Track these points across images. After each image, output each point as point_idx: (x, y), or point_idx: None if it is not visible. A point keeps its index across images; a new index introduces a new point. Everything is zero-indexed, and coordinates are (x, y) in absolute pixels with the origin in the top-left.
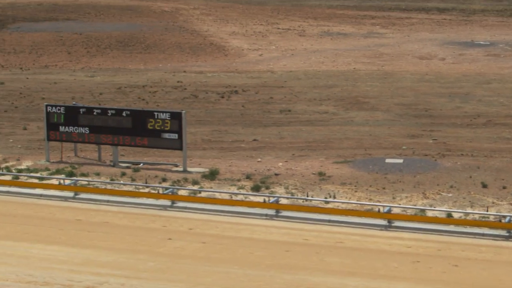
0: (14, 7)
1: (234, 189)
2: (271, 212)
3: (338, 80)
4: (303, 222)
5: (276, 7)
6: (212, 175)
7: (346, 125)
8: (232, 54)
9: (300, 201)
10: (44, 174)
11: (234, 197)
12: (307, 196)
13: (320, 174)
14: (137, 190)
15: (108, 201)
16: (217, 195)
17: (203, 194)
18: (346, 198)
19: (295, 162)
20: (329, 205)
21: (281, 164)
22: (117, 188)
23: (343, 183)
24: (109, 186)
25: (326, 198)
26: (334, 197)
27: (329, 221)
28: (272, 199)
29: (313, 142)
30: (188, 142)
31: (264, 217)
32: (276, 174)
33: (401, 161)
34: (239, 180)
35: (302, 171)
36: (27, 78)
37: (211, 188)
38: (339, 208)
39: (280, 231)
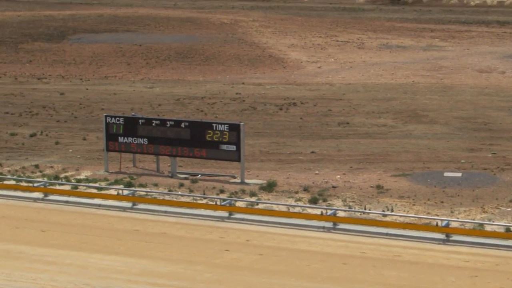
0: (75, 19)
1: (291, 201)
2: (329, 224)
3: (396, 93)
4: (360, 235)
5: (335, 20)
6: (269, 187)
7: (405, 138)
8: (291, 66)
9: (358, 214)
10: (103, 184)
11: (291, 209)
12: (365, 209)
13: (378, 187)
14: (194, 201)
15: (166, 211)
16: (275, 207)
17: (260, 206)
18: (404, 211)
19: (353, 175)
20: (387, 218)
21: (338, 176)
22: (175, 199)
23: (401, 196)
24: (167, 197)
25: (383, 211)
26: (392, 211)
27: (386, 234)
28: (329, 212)
29: (371, 155)
30: (246, 153)
31: (321, 230)
32: (333, 187)
33: (459, 175)
34: (296, 192)
35: (360, 184)
36: (87, 89)
37: (269, 200)
38: (396, 221)
39: (337, 244)
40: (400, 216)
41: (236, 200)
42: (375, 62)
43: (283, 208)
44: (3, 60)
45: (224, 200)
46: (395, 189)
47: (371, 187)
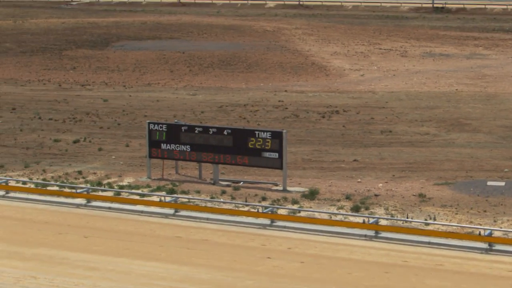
0: (118, 26)
1: (333, 209)
2: (370, 233)
3: (440, 102)
4: (402, 243)
5: (378, 28)
6: (311, 194)
7: (447, 147)
8: (334, 74)
9: (400, 222)
10: (145, 191)
11: (333, 217)
12: (407, 218)
13: (421, 195)
14: (236, 209)
15: (208, 218)
16: (317, 215)
17: (302, 214)
18: (446, 220)
19: (395, 183)
20: (429, 227)
21: (381, 185)
22: (217, 206)
23: (444, 205)
24: (209, 204)
25: (426, 220)
26: (434, 219)
27: (429, 243)
28: (371, 220)
29: (413, 163)
30: (288, 161)
31: (363, 238)
32: (376, 195)
33: (503, 184)
34: (338, 200)
35: (402, 192)
36: (130, 96)
37: (311, 207)
38: (439, 230)
39: (379, 252)
40: (443, 225)
41: (278, 208)
42: (418, 70)
43: (325, 216)
44: (48, 66)
45: (266, 207)
46: (437, 198)
47: (414, 195)
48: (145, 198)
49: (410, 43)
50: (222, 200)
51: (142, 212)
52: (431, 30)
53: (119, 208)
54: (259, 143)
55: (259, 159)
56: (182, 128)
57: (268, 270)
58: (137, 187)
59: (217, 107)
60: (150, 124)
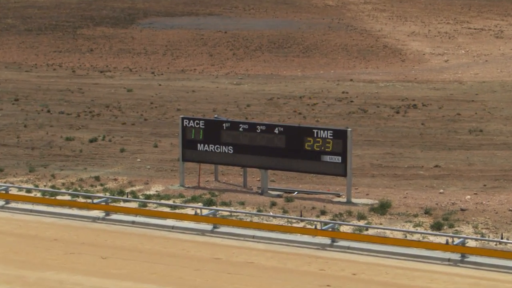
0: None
1: (409, 227)
2: (455, 256)
3: None
4: (495, 270)
5: (467, 2)
6: (382, 208)
7: None
8: (411, 60)
9: (493, 244)
10: (177, 201)
11: (409, 237)
12: (501, 238)
13: None
14: (289, 225)
15: (253, 236)
16: (388, 233)
17: (370, 232)
18: None
19: (486, 195)
20: None
21: (469, 197)
22: (265, 222)
23: None
24: (255, 219)
25: None
26: None
27: None
28: (457, 241)
29: (510, 170)
30: (354, 166)
31: (446, 263)
32: (462, 210)
33: None
34: (415, 216)
35: (496, 206)
36: (160, 85)
37: (381, 224)
38: None
39: (466, 281)
40: None
41: (340, 224)
42: None
43: (399, 235)
44: (59, 48)
45: (325, 223)
46: None
47: (510, 210)
48: (176, 211)
49: (507, 21)
50: (271, 214)
51: (173, 227)
52: None
53: (145, 223)
54: (318, 144)
55: (317, 164)
56: (224, 125)
57: None
58: (168, 197)
59: (267, 99)
60: (184, 120)
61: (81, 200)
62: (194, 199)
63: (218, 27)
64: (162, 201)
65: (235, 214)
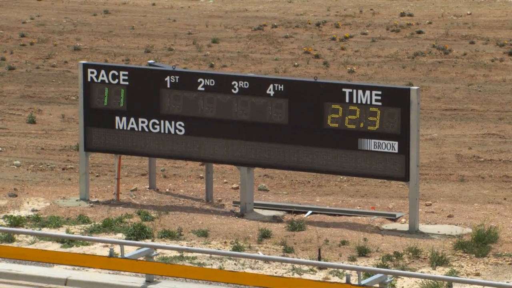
0: None
1: None
2: None
3: None
4: None
5: None
6: (480, 243)
7: None
8: None
9: None
10: (75, 231)
11: None
12: None
13: None
14: (297, 276)
15: None
16: None
17: None
18: None
19: None
20: None
21: None
22: (249, 270)
23: None
24: (229, 264)
25: None
26: None
27: None
28: None
29: None
30: (425, 161)
31: None
32: None
33: None
34: None
35: None
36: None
37: (478, 276)
38: None
39: None
40: None
41: (397, 275)
42: None
43: None
44: None
45: (368, 273)
46: None
47: None
48: (74, 249)
49: None
50: (260, 254)
51: (66, 282)
52: None
53: (9, 274)
54: (352, 117)
55: (350, 156)
56: (167, 79)
57: None
58: (56, 223)
59: (252, 28)
60: (89, 70)
61: None
62: (108, 226)
63: None
64: (45, 231)
65: (189, 255)
